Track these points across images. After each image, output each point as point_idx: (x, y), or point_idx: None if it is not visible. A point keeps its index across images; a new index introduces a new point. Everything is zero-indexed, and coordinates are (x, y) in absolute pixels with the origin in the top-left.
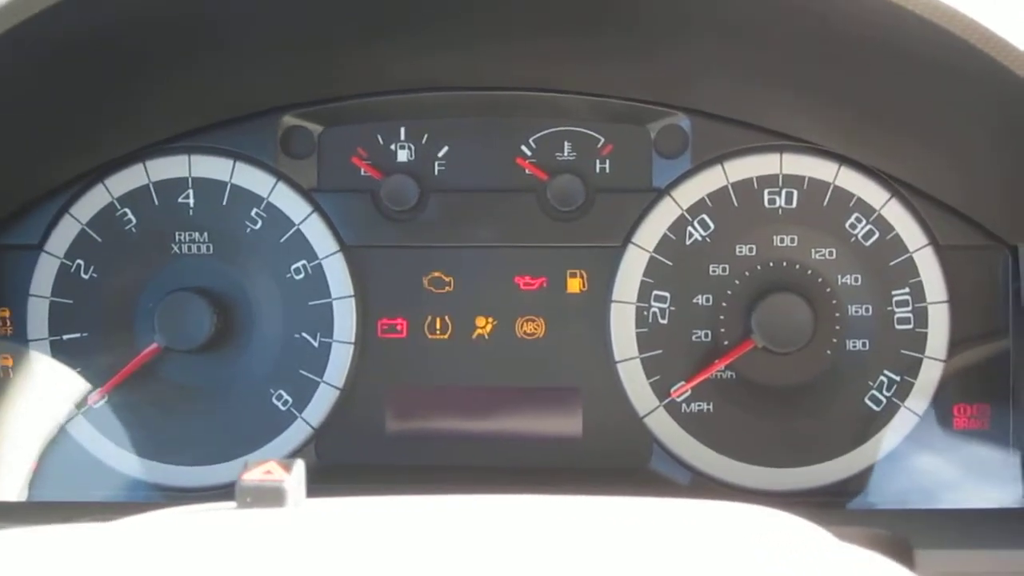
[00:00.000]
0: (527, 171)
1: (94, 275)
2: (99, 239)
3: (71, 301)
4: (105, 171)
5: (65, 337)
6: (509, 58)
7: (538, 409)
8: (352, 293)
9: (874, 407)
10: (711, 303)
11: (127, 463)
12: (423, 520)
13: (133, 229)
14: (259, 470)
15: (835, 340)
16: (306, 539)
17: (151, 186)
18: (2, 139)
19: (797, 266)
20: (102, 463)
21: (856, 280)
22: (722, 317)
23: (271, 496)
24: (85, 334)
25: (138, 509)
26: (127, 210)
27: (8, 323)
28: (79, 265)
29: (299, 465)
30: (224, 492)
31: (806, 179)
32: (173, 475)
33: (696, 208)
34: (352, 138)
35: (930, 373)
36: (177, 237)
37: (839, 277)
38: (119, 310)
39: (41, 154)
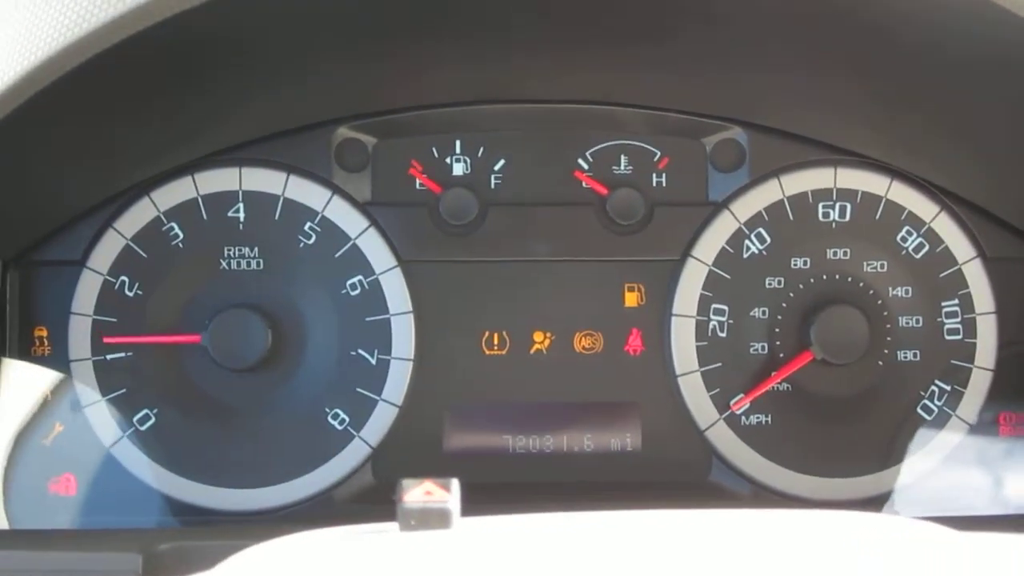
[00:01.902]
0: (585, 185)
1: (139, 292)
2: (144, 255)
3: (115, 319)
4: (151, 184)
5: (109, 357)
6: (565, 70)
7: (597, 424)
8: (411, 309)
9: (926, 416)
10: (767, 316)
11: (176, 487)
12: (594, 536)
13: (180, 244)
14: (418, 491)
15: (887, 351)
16: (504, 562)
17: (199, 199)
18: (45, 153)
19: (849, 279)
20: (149, 487)
21: (907, 292)
22: (778, 330)
23: (437, 518)
24: (130, 353)
25: (196, 535)
26: (174, 224)
27: (46, 343)
28: (123, 282)
29: (455, 484)
30: (284, 515)
31: (859, 193)
32: (225, 499)
33: (753, 221)
34: (407, 151)
35: (979, 382)
36: (226, 252)
37: (890, 289)
38: (165, 328)
39: (85, 168)
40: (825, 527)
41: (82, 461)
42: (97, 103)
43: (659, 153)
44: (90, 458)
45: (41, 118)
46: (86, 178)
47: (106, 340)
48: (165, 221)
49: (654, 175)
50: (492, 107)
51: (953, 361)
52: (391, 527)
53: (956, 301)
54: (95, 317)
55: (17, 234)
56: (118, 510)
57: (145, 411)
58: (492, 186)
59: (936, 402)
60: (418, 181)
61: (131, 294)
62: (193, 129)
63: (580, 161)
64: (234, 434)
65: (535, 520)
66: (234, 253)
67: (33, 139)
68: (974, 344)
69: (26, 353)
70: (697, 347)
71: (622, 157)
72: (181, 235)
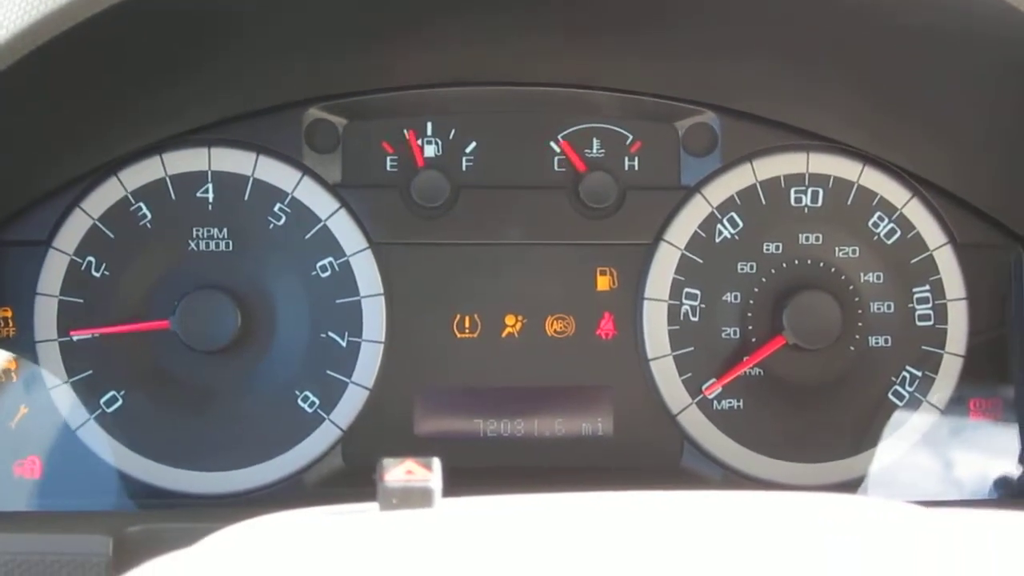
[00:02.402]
0: (557, 167)
1: (106, 273)
2: (111, 235)
3: (81, 300)
4: (119, 164)
5: (75, 339)
6: (537, 53)
7: (569, 408)
8: (381, 291)
9: (897, 402)
10: (739, 300)
11: (143, 469)
12: (579, 517)
13: (148, 224)
14: (399, 470)
15: (858, 337)
16: (490, 541)
17: (168, 179)
18: (9, 132)
19: (821, 264)
20: (116, 469)
21: (878, 278)
22: (750, 314)
23: (418, 497)
24: (96, 335)
25: (166, 518)
26: (142, 204)
27: (11, 323)
28: (90, 262)
29: (437, 463)
30: (253, 498)
31: (831, 178)
32: (193, 481)
33: (726, 206)
34: (377, 132)
35: (950, 368)
36: (195, 233)
37: (862, 275)
38: (133, 309)
39: (51, 146)
40: (799, 508)
41: (48, 444)
42: (62, 82)
43: (631, 137)
44: (56, 441)
45: (4, 97)
46: (52, 157)
47: (72, 334)
48: (133, 201)
49: (626, 159)
50: (464, 89)
51: (924, 347)
52: (370, 507)
53: (927, 287)
54: (61, 298)
55: None
56: (84, 493)
57: (112, 393)
58: (464, 168)
59: (907, 388)
60: (388, 163)
61: (98, 275)
62: (161, 108)
63: (552, 144)
64: (203, 417)
65: (518, 500)
66: (203, 234)
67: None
68: (945, 330)
69: None
70: (669, 331)
71: (594, 140)
72: (149, 215)
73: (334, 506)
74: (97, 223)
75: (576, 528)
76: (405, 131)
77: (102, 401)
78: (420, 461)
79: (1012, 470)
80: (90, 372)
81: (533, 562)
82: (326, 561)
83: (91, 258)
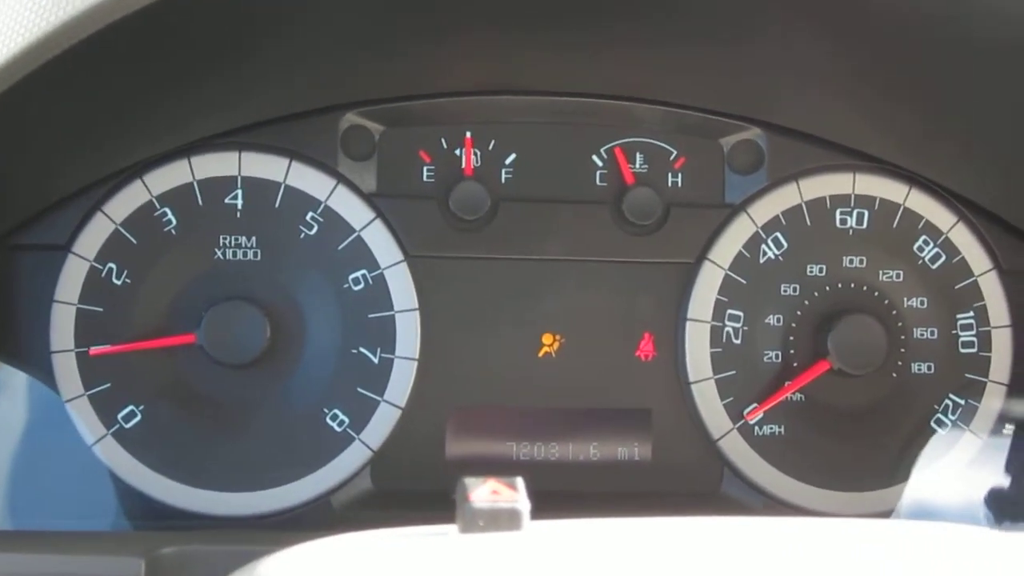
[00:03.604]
0: (599, 182)
1: (127, 280)
2: (134, 241)
3: (101, 309)
4: (145, 166)
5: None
6: (581, 64)
7: (606, 432)
8: (416, 306)
9: (939, 430)
10: (782, 323)
11: (162, 488)
12: (676, 542)
13: (173, 231)
14: (483, 490)
15: (901, 363)
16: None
17: (195, 184)
18: (32, 131)
19: (865, 287)
20: (134, 489)
21: (922, 303)
22: (792, 338)
23: (506, 519)
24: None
25: (201, 539)
26: (167, 210)
27: (27, 332)
28: (111, 269)
29: (521, 483)
30: (278, 521)
31: (877, 200)
32: (215, 503)
33: (771, 226)
34: (414, 140)
35: (993, 397)
36: (222, 241)
37: (905, 300)
38: (155, 320)
39: (73, 147)
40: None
41: (62, 460)
42: (89, 80)
43: (675, 152)
44: (71, 457)
45: (30, 95)
46: (74, 158)
47: (92, 353)
48: (158, 206)
49: (670, 175)
50: (505, 98)
51: (968, 375)
52: (449, 529)
53: (971, 313)
54: (80, 306)
55: None
56: (98, 513)
57: (131, 407)
58: (503, 180)
59: (950, 416)
60: (425, 172)
61: (119, 282)
62: (191, 110)
63: (594, 157)
64: (226, 434)
65: (608, 525)
66: (230, 242)
67: (19, 116)
68: (989, 358)
69: (4, 343)
70: (711, 353)
71: (638, 155)
72: (174, 221)
73: (407, 528)
74: (120, 228)
75: (676, 554)
76: (443, 140)
77: (120, 416)
78: (504, 481)
79: None
80: (108, 385)
81: None
82: None
83: (112, 265)
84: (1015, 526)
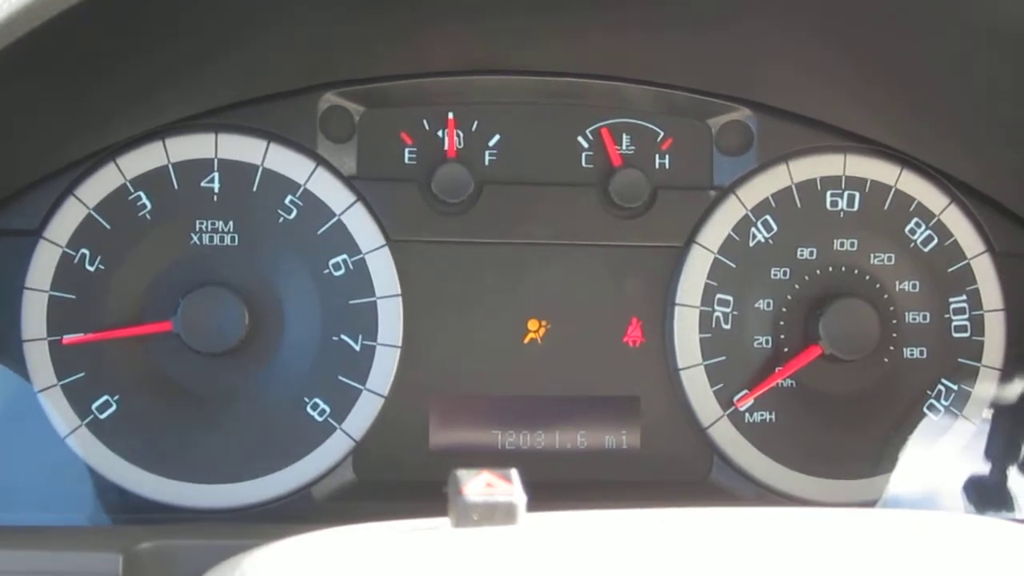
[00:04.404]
0: (586, 164)
1: (101, 267)
2: (108, 226)
3: (73, 296)
4: (118, 149)
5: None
6: (565, 42)
7: (593, 419)
8: (399, 292)
9: (932, 416)
10: (771, 308)
11: (137, 481)
12: (677, 533)
13: (148, 216)
14: (477, 483)
15: (893, 348)
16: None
17: (170, 167)
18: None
19: (856, 271)
20: (109, 482)
21: (914, 287)
22: (782, 323)
23: (502, 513)
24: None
25: (180, 534)
26: (141, 193)
27: None
28: (84, 255)
29: (516, 475)
30: (259, 513)
31: (868, 182)
32: (192, 495)
33: (760, 208)
34: (395, 122)
35: (987, 382)
36: (198, 226)
37: (897, 283)
38: (130, 308)
39: (44, 128)
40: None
41: (33, 452)
42: (57, 56)
43: (663, 133)
44: (43, 449)
45: None
46: (45, 140)
47: (65, 342)
48: (132, 190)
49: (657, 156)
50: (489, 78)
51: (960, 359)
52: (440, 523)
53: (964, 297)
54: (51, 293)
55: None
56: (72, 507)
57: (105, 397)
58: (487, 162)
59: (943, 401)
60: (407, 155)
61: (92, 269)
62: (165, 89)
63: (579, 139)
64: (204, 424)
65: (606, 516)
66: (207, 227)
67: None
68: (982, 342)
69: None
70: (700, 339)
71: (624, 136)
72: (149, 205)
73: (398, 522)
74: (92, 213)
75: (678, 545)
76: (425, 121)
77: (94, 406)
78: (498, 473)
79: None
80: (82, 374)
81: None
82: None
83: (85, 251)
84: (1004, 513)
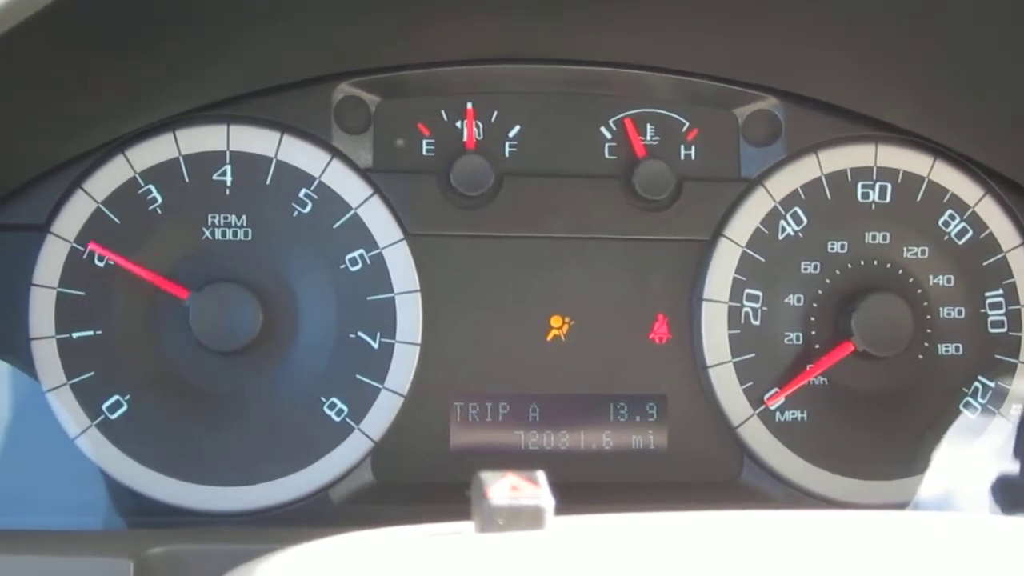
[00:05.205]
0: (609, 155)
1: (110, 263)
2: (117, 220)
3: (83, 293)
4: (127, 141)
5: (75, 335)
6: (589, 27)
7: (620, 419)
8: (417, 288)
9: (968, 414)
10: (802, 303)
11: (149, 483)
12: (706, 538)
13: (158, 209)
14: (502, 486)
15: (927, 344)
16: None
17: (181, 160)
18: (4, 106)
19: (888, 265)
20: (120, 484)
21: (949, 281)
22: (813, 318)
23: (529, 517)
24: (99, 332)
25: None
26: (152, 187)
27: (3, 318)
28: (93, 251)
29: (543, 477)
30: (275, 516)
31: (900, 172)
32: (206, 497)
33: (789, 200)
34: (412, 112)
35: None
36: (210, 220)
37: (931, 277)
38: (140, 304)
39: (51, 119)
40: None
41: (42, 453)
42: (64, 44)
43: (688, 124)
44: (52, 450)
45: None
46: (52, 131)
47: (92, 247)
48: (142, 183)
49: (682, 147)
50: (508, 67)
51: (997, 355)
52: (464, 527)
53: (1000, 291)
54: (60, 290)
55: None
56: (82, 510)
57: (116, 397)
58: (507, 154)
59: (979, 399)
60: (425, 146)
61: (101, 264)
62: (175, 79)
63: (602, 129)
64: (218, 425)
65: (634, 521)
66: (219, 221)
67: None
68: (1019, 338)
69: None
70: (729, 336)
71: (649, 127)
72: (160, 199)
73: (422, 526)
74: (101, 207)
75: (713, 549)
76: (443, 111)
77: (105, 406)
78: (523, 475)
79: None
80: (92, 373)
81: None
82: None
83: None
84: None
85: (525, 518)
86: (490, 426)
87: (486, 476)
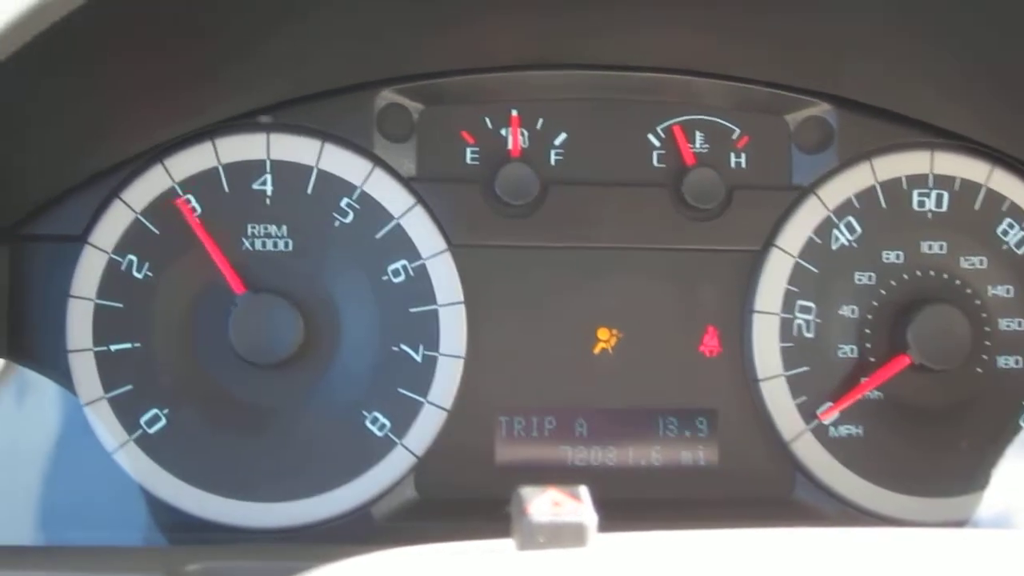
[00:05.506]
0: (657, 163)
1: (148, 274)
2: (156, 231)
3: (121, 305)
4: (166, 150)
5: (113, 348)
6: (635, 35)
7: (669, 434)
8: (461, 299)
9: None
10: (856, 315)
11: (187, 498)
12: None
13: (198, 220)
14: (543, 501)
15: (986, 357)
16: None
17: (220, 169)
18: (41, 109)
19: (945, 275)
20: (158, 499)
21: (1008, 291)
22: (868, 331)
23: (570, 534)
24: (138, 344)
25: (228, 555)
26: (191, 197)
27: (41, 330)
28: (131, 261)
29: (585, 492)
30: (315, 534)
31: (957, 180)
32: (245, 514)
33: (843, 209)
34: (456, 120)
35: None
36: (250, 230)
37: (990, 288)
38: (179, 316)
39: (89, 128)
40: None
41: (80, 468)
42: (102, 50)
43: (738, 131)
44: (89, 464)
45: (37, 67)
46: (90, 141)
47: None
48: (181, 193)
49: (732, 155)
50: (554, 73)
51: None
52: (505, 545)
53: None
54: (98, 302)
55: (8, 204)
56: (119, 525)
57: (155, 411)
58: (552, 162)
59: None
60: (469, 154)
61: (140, 276)
62: (215, 87)
63: (650, 136)
64: (258, 440)
65: (680, 538)
66: (259, 231)
67: (27, 92)
68: None
69: (17, 342)
70: (781, 348)
71: (698, 134)
72: (199, 209)
73: (458, 543)
74: (139, 217)
75: (765, 568)
76: (487, 119)
77: (143, 420)
78: (565, 490)
79: None
80: (130, 387)
81: None
82: None
83: (132, 257)
84: None
85: (567, 535)
86: (536, 441)
87: (526, 492)
